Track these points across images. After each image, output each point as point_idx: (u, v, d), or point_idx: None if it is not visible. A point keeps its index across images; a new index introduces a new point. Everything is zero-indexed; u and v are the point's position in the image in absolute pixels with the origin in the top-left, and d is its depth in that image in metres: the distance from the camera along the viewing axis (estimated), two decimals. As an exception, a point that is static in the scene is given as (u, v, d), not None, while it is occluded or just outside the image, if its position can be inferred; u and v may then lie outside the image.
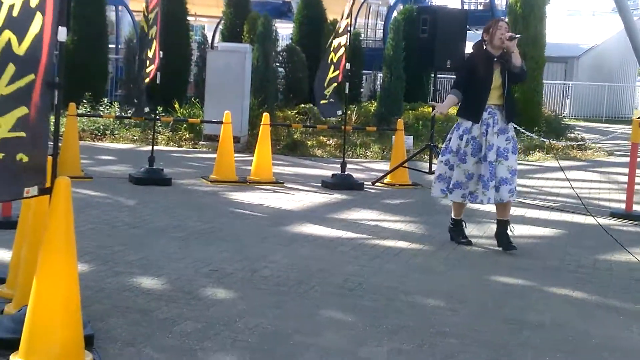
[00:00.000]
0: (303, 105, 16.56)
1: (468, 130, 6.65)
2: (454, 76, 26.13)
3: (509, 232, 6.76)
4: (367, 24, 29.15)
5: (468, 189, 6.71)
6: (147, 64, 9.32)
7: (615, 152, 16.48)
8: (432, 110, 7.22)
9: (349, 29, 10.09)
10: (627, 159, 9.17)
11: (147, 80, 9.42)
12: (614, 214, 8.75)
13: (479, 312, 4.97)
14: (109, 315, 4.42)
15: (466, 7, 28.52)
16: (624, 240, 7.51)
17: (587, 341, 4.52)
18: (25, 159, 3.52)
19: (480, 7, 28.40)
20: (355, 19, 28.77)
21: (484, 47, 6.71)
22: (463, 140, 6.66)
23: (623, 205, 8.92)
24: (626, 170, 9.21)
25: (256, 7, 19.15)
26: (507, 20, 6.92)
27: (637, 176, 9.03)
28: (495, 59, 6.64)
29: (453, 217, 7.05)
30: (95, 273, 5.30)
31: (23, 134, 3.50)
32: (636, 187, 10.58)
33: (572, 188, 8.42)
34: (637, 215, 8.68)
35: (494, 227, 7.15)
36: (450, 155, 6.76)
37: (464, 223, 7.06)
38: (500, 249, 6.75)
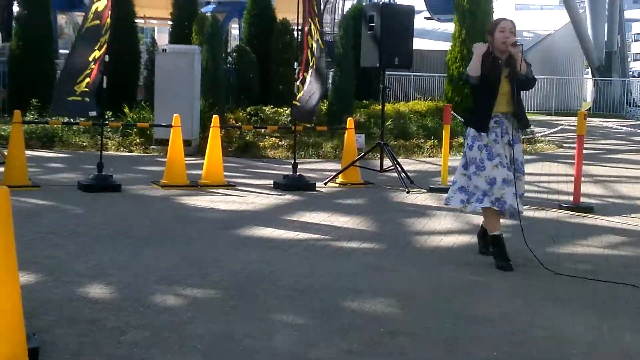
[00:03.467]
0: (254, 106, 16.52)
1: (476, 138, 6.15)
2: (401, 73, 26.14)
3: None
4: (334, 19, 29.41)
5: (494, 195, 6.05)
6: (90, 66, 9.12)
7: (564, 145, 16.73)
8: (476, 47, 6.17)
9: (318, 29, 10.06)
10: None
11: (87, 81, 9.18)
12: (563, 206, 8.86)
13: (429, 309, 4.99)
14: (55, 327, 4.36)
15: None
16: (571, 232, 7.66)
17: (534, 333, 4.57)
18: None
19: None
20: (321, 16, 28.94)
21: (490, 50, 6.13)
22: (475, 148, 6.14)
23: (572, 198, 9.04)
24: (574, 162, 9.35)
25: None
26: (510, 19, 6.29)
27: (588, 165, 9.18)
28: (500, 61, 6.11)
29: (490, 232, 6.30)
30: (41, 284, 5.22)
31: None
32: (585, 178, 10.82)
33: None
34: (585, 207, 8.81)
35: (444, 222, 7.20)
36: (467, 167, 6.23)
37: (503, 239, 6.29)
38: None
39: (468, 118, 6.51)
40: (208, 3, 26.54)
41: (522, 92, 6.29)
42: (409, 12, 11.13)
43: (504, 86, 6.12)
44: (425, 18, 31.70)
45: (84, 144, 13.27)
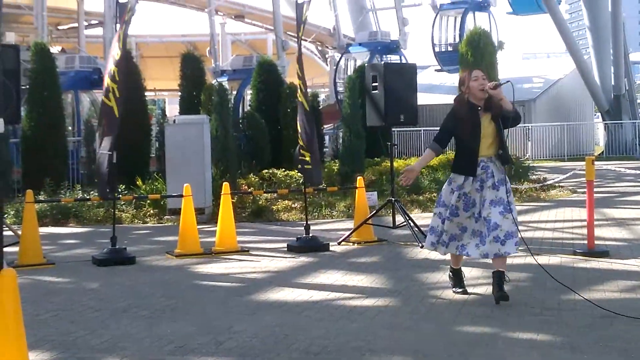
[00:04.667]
0: (266, 170, 16.62)
1: (459, 187, 6.57)
2: (411, 129, 26.41)
3: (505, 281, 6.63)
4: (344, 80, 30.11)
5: (462, 241, 6.63)
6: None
7: (578, 190, 16.66)
8: (401, 178, 6.96)
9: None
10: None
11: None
12: (577, 252, 8.82)
13: (445, 364, 4.96)
14: (70, 404, 4.36)
15: (437, 49, 29.56)
16: (587, 277, 7.60)
17: (553, 384, 4.52)
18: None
19: (449, 49, 29.39)
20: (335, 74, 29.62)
21: (466, 98, 6.63)
22: (454, 196, 6.58)
23: (586, 242, 8.99)
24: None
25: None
26: (479, 68, 6.99)
27: (603, 209, 9.14)
28: (480, 108, 6.56)
29: (452, 266, 7.01)
30: (56, 361, 5.23)
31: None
32: (600, 222, 10.77)
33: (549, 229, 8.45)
34: (600, 252, 8.75)
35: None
36: (442, 208, 6.70)
37: (462, 273, 7.03)
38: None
39: (455, 165, 6.73)
40: (223, 72, 27.02)
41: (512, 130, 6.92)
42: (412, 69, 11.25)
43: (486, 130, 6.51)
44: (435, 70, 32.18)
45: (99, 218, 13.35)
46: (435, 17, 30.77)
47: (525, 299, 6.76)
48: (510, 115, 6.47)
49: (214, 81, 28.34)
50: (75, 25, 28.20)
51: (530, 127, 28.74)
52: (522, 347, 5.33)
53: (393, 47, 29.94)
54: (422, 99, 27.36)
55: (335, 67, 31.59)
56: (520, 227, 6.64)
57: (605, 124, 31.13)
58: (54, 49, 22.86)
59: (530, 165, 20.54)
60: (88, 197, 11.84)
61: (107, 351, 5.46)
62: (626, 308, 6.29)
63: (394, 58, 30.08)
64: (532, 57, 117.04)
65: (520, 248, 6.69)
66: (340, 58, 31.18)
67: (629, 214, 12.58)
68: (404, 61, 29.77)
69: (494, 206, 6.43)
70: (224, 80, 28.05)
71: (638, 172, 15.80)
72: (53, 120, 16.39)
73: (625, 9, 35.22)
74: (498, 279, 6.54)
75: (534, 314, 6.23)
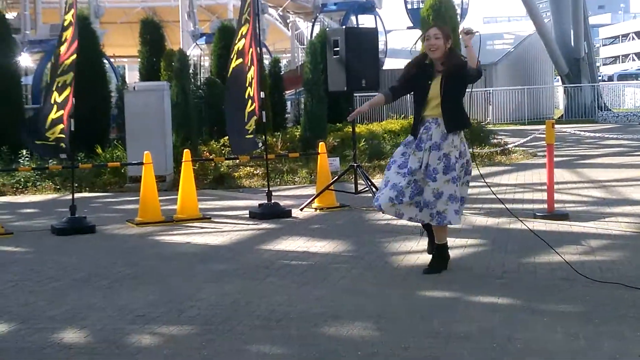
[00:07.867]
0: (228, 137, 16.48)
1: (407, 143, 6.44)
2: (373, 94, 26.58)
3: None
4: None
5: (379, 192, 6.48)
6: (56, 109, 9.05)
7: (539, 154, 16.81)
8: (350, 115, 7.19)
9: (258, 58, 10.10)
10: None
11: (61, 127, 9.15)
12: (537, 215, 8.88)
13: (407, 329, 4.97)
14: (28, 376, 4.30)
15: (409, 6, 29.58)
16: (547, 240, 7.65)
17: (514, 346, 4.55)
18: None
19: (421, 6, 29.61)
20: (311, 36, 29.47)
21: (424, 57, 6.42)
22: (399, 150, 6.47)
23: (546, 206, 9.07)
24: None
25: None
26: (435, 26, 6.45)
27: (563, 171, 9.20)
28: (430, 66, 6.33)
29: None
30: (14, 333, 5.15)
31: None
32: (559, 185, 10.87)
33: (493, 193, 8.42)
34: (559, 215, 8.83)
35: (421, 240, 7.20)
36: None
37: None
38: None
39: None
40: (202, 35, 26.74)
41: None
42: (373, 34, 11.17)
43: (434, 90, 6.24)
44: (407, 28, 32.22)
45: (58, 187, 13.17)
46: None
47: (487, 263, 6.80)
48: (471, 73, 6.11)
49: (193, 44, 28.17)
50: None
51: (490, 91, 28.87)
52: (484, 310, 5.36)
53: (368, 7, 29.80)
54: (386, 63, 27.44)
55: (311, 29, 31.37)
56: (481, 191, 6.62)
57: (564, 87, 31.38)
58: (10, 15, 22.37)
59: (491, 129, 20.67)
60: (46, 165, 11.64)
61: (66, 321, 5.39)
62: (585, 270, 6.36)
63: (368, 18, 30.00)
64: (493, 20, 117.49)
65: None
66: (316, 19, 30.90)
67: (588, 177, 12.72)
68: (378, 21, 29.75)
69: (427, 173, 6.23)
70: (202, 44, 27.80)
71: (596, 134, 15.96)
72: (7, 88, 16.06)
73: (585, -28, 35.32)
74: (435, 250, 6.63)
75: (495, 277, 6.27)
